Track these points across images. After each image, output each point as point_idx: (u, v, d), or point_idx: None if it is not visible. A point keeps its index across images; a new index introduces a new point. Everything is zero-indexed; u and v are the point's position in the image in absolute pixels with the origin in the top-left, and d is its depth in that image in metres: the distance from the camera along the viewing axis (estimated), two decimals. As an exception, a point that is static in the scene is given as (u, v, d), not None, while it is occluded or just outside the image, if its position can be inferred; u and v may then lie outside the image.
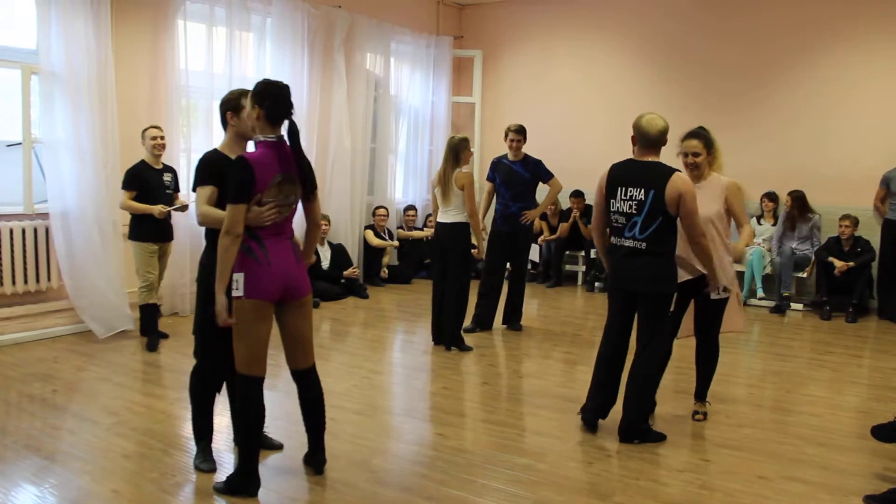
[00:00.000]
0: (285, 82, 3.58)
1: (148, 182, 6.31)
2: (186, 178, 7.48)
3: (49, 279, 6.64)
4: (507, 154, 7.06)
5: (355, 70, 9.36)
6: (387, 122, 10.11)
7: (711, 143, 4.52)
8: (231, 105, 3.77)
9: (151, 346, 6.35)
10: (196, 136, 7.72)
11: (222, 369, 3.90)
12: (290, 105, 3.54)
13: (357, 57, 9.37)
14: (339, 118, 9.12)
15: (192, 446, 4.27)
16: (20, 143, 6.53)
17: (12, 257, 6.40)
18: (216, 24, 7.69)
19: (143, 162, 6.39)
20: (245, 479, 3.65)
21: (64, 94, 6.43)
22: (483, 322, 7.19)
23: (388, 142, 10.14)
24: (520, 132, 6.98)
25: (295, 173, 3.57)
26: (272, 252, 3.52)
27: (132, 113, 6.94)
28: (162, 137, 6.43)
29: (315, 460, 3.95)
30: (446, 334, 6.51)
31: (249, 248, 3.49)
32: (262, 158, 3.46)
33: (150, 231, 6.35)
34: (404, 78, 10.56)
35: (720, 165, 4.57)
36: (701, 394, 4.89)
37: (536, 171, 7.03)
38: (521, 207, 6.99)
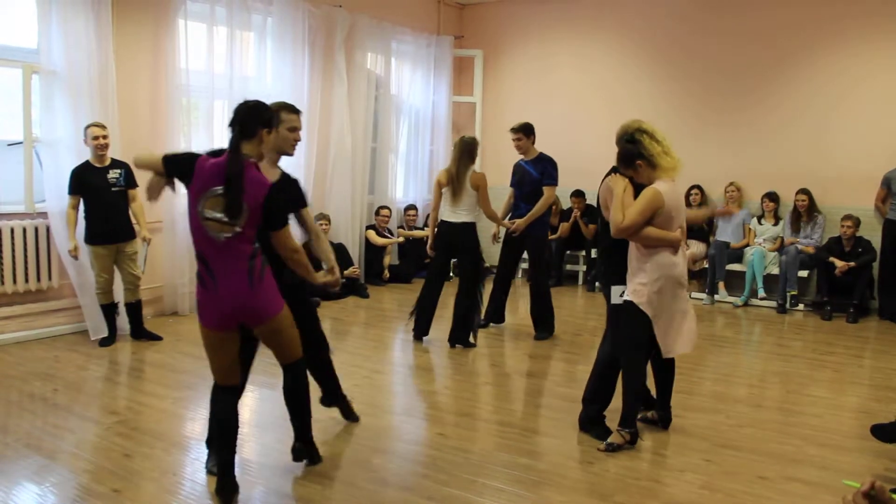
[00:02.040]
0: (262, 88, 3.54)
1: (89, 184, 6.22)
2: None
3: (50, 278, 6.64)
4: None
5: (356, 69, 9.36)
6: (387, 122, 10.11)
7: (633, 156, 4.23)
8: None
9: (104, 343, 6.37)
10: (196, 136, 7.71)
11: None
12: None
13: (358, 56, 9.37)
14: (339, 118, 9.12)
15: (192, 445, 4.29)
16: (21, 143, 6.54)
17: (13, 256, 6.40)
18: (217, 23, 7.68)
19: (86, 163, 6.30)
20: (220, 483, 3.61)
21: (64, 94, 6.44)
22: (494, 317, 7.25)
23: (388, 141, 10.14)
24: (518, 130, 6.79)
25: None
26: (220, 276, 3.40)
27: (133, 112, 6.94)
28: (105, 137, 6.28)
29: (298, 448, 3.97)
30: (455, 331, 6.51)
31: (198, 272, 3.47)
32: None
33: (99, 233, 6.26)
34: (405, 77, 10.55)
35: (665, 168, 4.21)
36: (622, 417, 4.37)
37: (543, 172, 6.79)
38: (529, 209, 6.78)
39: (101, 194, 6.25)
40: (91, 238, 6.24)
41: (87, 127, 6.30)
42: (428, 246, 6.82)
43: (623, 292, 4.36)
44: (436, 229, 6.69)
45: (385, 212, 9.73)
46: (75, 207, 6.22)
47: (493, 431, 4.62)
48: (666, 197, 4.19)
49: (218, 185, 3.32)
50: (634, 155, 4.25)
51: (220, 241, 3.37)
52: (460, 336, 6.52)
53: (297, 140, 4.10)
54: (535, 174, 6.78)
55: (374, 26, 9.54)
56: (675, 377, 4.65)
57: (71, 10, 6.37)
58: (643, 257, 4.28)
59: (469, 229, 6.42)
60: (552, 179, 6.78)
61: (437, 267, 6.63)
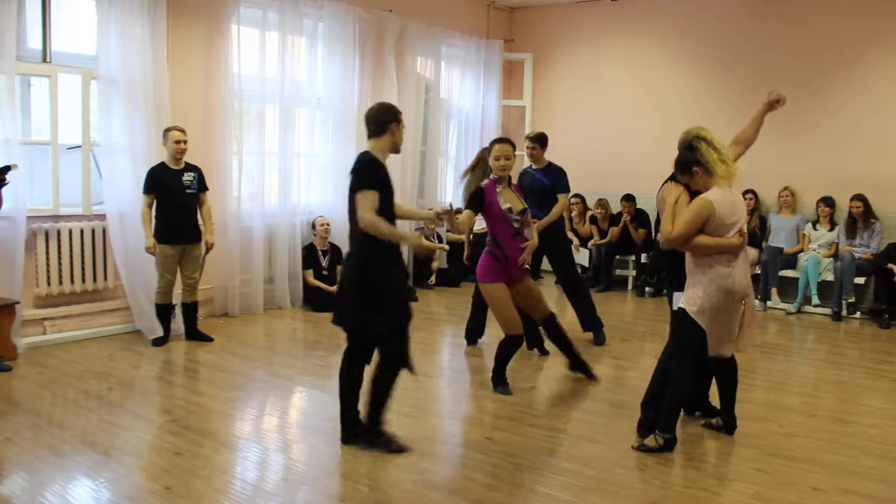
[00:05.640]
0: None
1: (164, 184, 6.34)
2: (238, 179, 7.61)
3: (105, 279, 6.79)
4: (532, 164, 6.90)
5: (406, 73, 9.40)
6: (437, 126, 10.14)
7: (690, 163, 4.23)
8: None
9: (157, 342, 6.47)
10: (248, 139, 7.82)
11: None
12: None
13: (408, 60, 9.41)
14: (389, 121, 9.15)
15: (241, 445, 4.36)
16: (79, 146, 6.70)
17: (71, 257, 6.57)
18: (269, 28, 7.78)
19: (161, 164, 6.42)
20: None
21: (121, 99, 6.58)
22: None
23: (438, 145, 10.17)
24: (535, 140, 6.76)
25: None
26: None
27: (186, 116, 7.06)
28: (185, 142, 6.42)
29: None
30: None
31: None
32: None
33: (169, 233, 6.38)
34: (455, 81, 10.57)
35: (721, 175, 4.18)
36: (661, 421, 4.37)
37: (556, 181, 6.73)
38: (542, 215, 6.63)
39: (175, 195, 6.37)
40: (162, 237, 6.36)
41: (168, 130, 6.44)
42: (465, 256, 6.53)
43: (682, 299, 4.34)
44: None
45: (433, 216, 9.73)
46: (150, 206, 6.36)
47: (540, 436, 4.59)
48: (717, 205, 4.13)
49: None
50: (691, 162, 4.23)
51: None
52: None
53: None
54: (547, 181, 6.74)
55: (423, 30, 9.58)
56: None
57: (128, 17, 6.52)
58: (697, 268, 4.24)
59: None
60: (565, 188, 6.79)
61: None
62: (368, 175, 4.08)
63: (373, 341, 4.19)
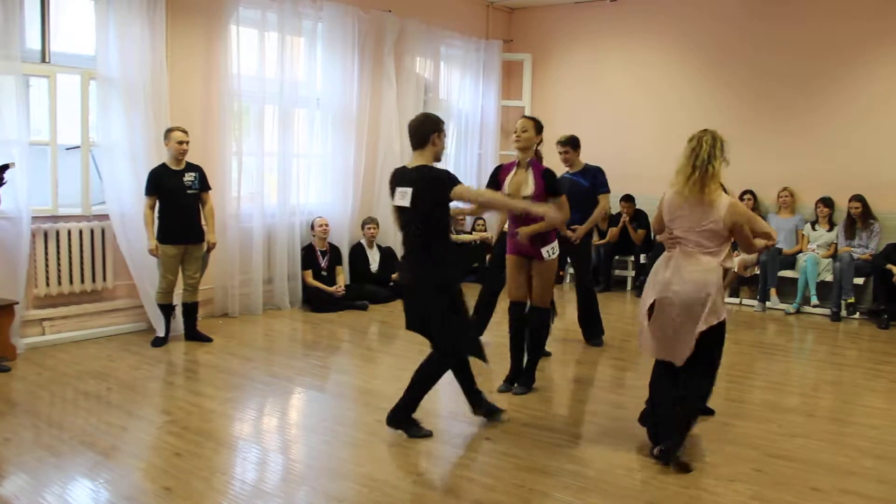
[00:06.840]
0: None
1: (166, 185, 6.34)
2: (237, 180, 7.62)
3: (105, 279, 6.79)
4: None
5: (405, 74, 9.41)
6: (436, 126, 10.12)
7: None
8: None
9: (155, 343, 6.47)
10: (247, 140, 7.81)
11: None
12: None
13: (407, 61, 9.42)
14: (388, 122, 9.17)
15: (241, 445, 4.36)
16: (79, 147, 6.70)
17: (70, 257, 6.56)
18: (268, 29, 7.78)
19: (162, 165, 6.43)
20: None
21: (120, 99, 6.57)
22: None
23: (437, 145, 10.14)
24: (565, 143, 6.69)
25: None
26: None
27: (185, 117, 7.05)
28: (188, 143, 6.43)
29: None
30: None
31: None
32: None
33: (172, 233, 6.39)
34: (454, 82, 10.57)
35: (678, 171, 4.19)
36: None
37: (594, 181, 6.68)
38: (581, 218, 6.55)
39: (176, 196, 6.38)
40: (164, 238, 6.36)
41: (171, 130, 6.43)
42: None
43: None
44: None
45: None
46: (152, 208, 6.36)
47: (540, 437, 4.59)
48: (664, 202, 4.28)
49: None
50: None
51: None
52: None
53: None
54: (586, 184, 6.64)
55: (423, 31, 9.58)
56: (724, 384, 4.56)
57: (127, 17, 6.51)
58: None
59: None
60: (605, 187, 6.71)
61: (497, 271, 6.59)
62: (447, 175, 4.34)
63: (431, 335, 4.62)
